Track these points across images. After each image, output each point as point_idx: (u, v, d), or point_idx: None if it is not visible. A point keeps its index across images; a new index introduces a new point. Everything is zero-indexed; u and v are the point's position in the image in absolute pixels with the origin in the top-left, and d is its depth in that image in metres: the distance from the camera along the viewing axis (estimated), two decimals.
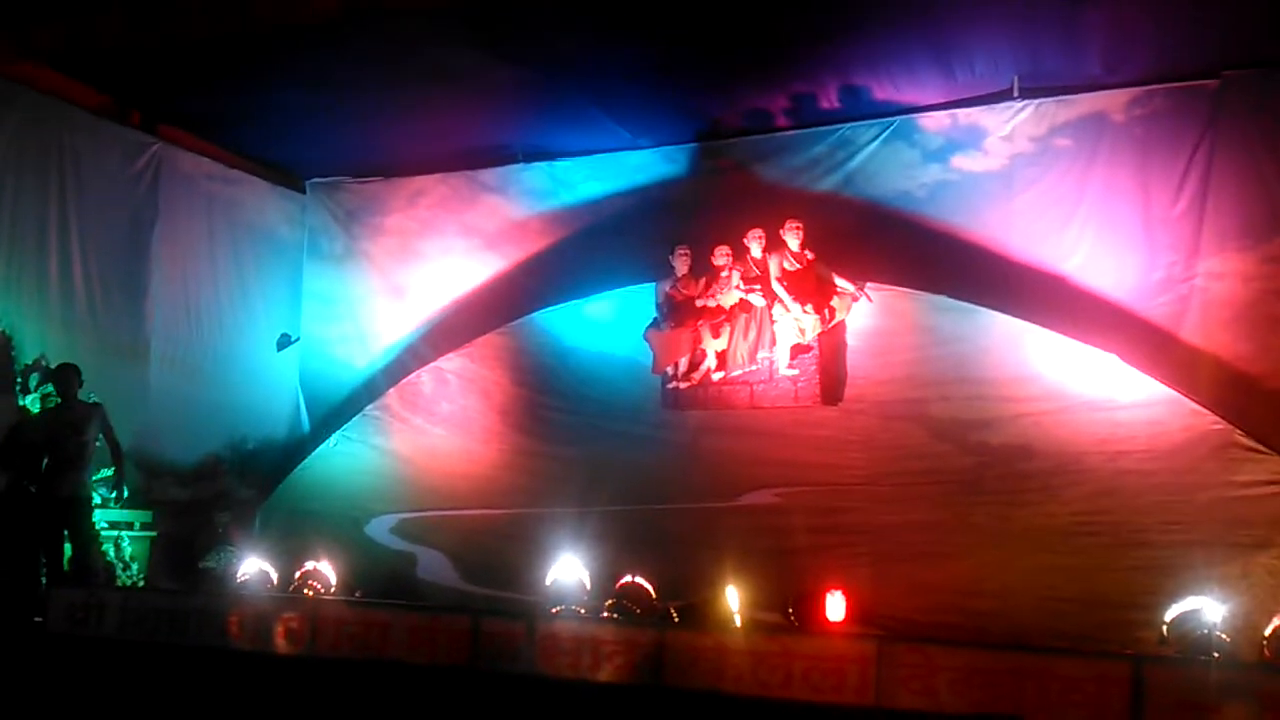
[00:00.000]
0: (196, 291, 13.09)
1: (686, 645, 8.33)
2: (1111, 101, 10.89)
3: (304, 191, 14.35)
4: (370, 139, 12.92)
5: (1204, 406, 9.58)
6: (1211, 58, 10.39)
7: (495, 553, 11.29)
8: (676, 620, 9.34)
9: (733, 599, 9.52)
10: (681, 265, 11.54)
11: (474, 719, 8.81)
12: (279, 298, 14.08)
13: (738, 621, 9.36)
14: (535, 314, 12.36)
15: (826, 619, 9.43)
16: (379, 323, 13.73)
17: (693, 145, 12.62)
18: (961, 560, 9.93)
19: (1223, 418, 9.48)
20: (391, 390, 12.71)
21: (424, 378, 12.60)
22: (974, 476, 10.18)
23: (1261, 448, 9.25)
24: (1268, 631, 7.61)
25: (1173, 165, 10.55)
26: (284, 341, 14.05)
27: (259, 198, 13.96)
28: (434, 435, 12.39)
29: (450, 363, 12.53)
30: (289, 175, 14.25)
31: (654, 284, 11.73)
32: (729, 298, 11.29)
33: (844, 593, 9.51)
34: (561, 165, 13.10)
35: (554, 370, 12.12)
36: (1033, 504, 9.89)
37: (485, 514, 11.75)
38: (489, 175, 13.38)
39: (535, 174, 13.21)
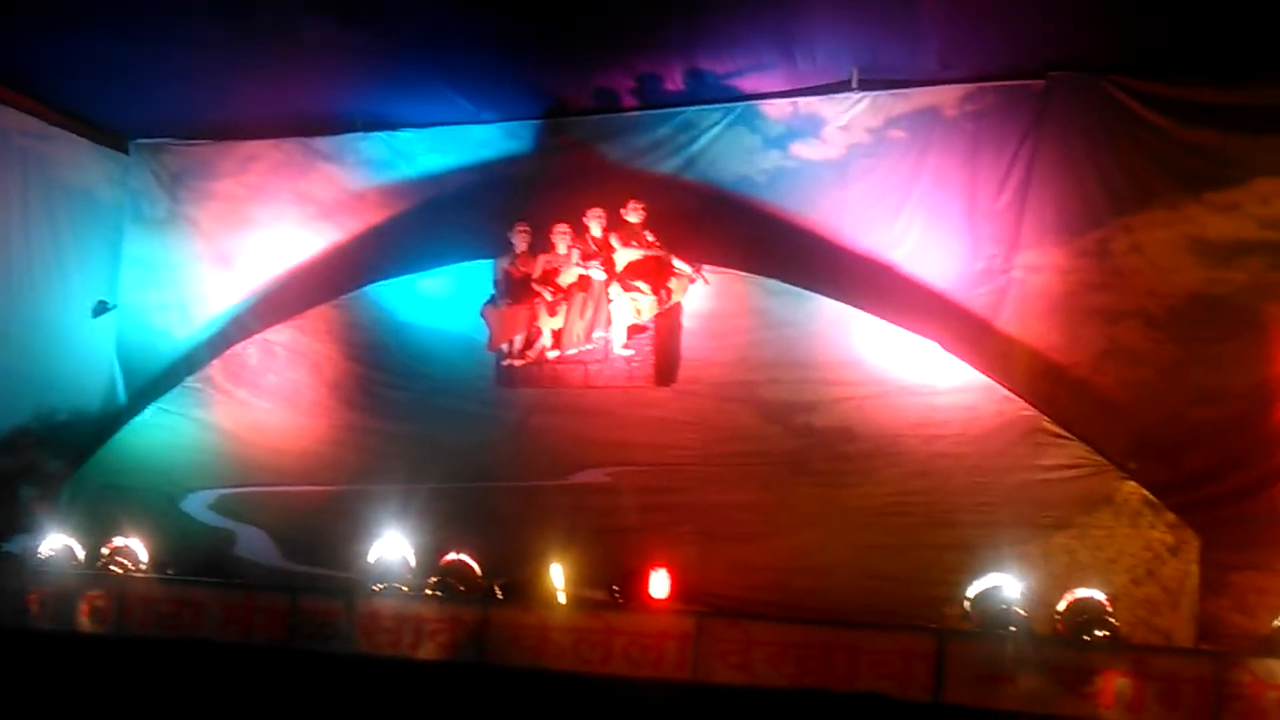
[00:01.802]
0: (5, 253, 12.44)
1: (509, 622, 8.35)
2: (944, 96, 11.20)
3: (127, 152, 13.75)
4: (199, 99, 12.44)
5: (1015, 394, 9.96)
6: (1039, 58, 10.77)
7: (318, 530, 11.07)
8: (501, 598, 9.30)
9: (558, 577, 9.53)
10: (521, 242, 11.45)
11: (290, 698, 8.63)
12: (96, 262, 13.47)
13: (562, 599, 9.38)
14: (369, 287, 12.09)
15: (651, 596, 9.52)
16: (203, 291, 13.26)
17: (537, 122, 12.51)
18: (784, 539, 10.14)
19: (1032, 404, 9.87)
20: (215, 361, 12.28)
21: (250, 349, 12.21)
22: (799, 458, 10.38)
23: (1066, 434, 9.67)
24: (1061, 607, 7.97)
25: (998, 161, 10.91)
26: (100, 308, 13.45)
27: (77, 156, 13.32)
28: (259, 409, 12.03)
29: (278, 335, 12.17)
30: (111, 134, 13.61)
31: (492, 260, 11.61)
32: (567, 276, 11.26)
33: (669, 571, 9.63)
34: (402, 136, 12.85)
35: (386, 345, 11.89)
36: (853, 485, 10.15)
37: (310, 490, 11.49)
38: (325, 143, 13.04)
39: (374, 144, 12.93)
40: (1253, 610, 9.24)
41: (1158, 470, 9.76)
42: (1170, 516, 9.35)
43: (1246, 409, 9.87)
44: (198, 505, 11.66)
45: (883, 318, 10.48)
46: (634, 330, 10.94)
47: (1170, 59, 10.30)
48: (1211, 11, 9.62)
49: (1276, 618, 8.28)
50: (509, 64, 11.53)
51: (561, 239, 11.25)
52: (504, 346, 11.31)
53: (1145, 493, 9.43)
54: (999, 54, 10.74)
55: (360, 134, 12.92)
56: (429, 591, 9.22)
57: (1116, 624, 8.11)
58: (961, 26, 10.35)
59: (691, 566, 9.88)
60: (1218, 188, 10.12)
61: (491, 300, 11.39)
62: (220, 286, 13.20)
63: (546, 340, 11.20)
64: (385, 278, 12.07)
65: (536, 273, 11.32)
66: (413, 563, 9.63)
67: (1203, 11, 9.65)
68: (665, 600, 9.51)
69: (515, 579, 9.66)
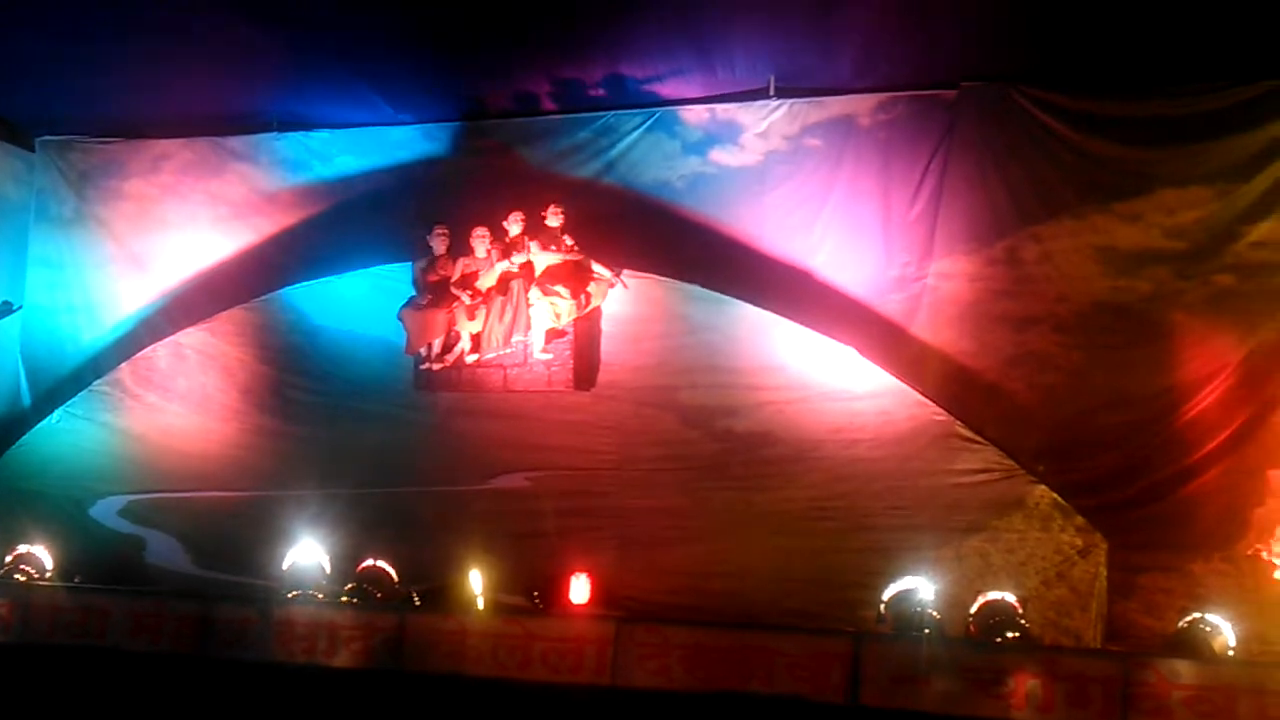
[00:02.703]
0: None
1: (427, 629, 8.29)
2: (859, 105, 11.33)
3: (33, 149, 13.36)
4: (108, 96, 12.16)
5: (929, 399, 10.14)
6: (951, 69, 10.94)
7: (231, 536, 10.91)
8: (418, 604, 9.23)
9: (477, 582, 9.48)
10: (439, 245, 11.35)
11: (202, 708, 8.46)
12: (0, 263, 13.05)
13: (481, 605, 9.33)
14: (283, 290, 11.92)
15: (571, 602, 9.52)
16: (112, 293, 12.93)
17: (457, 124, 12.41)
18: (703, 543, 10.22)
19: (945, 409, 10.06)
20: (124, 365, 12.03)
21: (160, 352, 11.98)
22: (718, 462, 10.46)
23: (978, 438, 9.88)
24: (973, 609, 8.12)
25: (912, 170, 11.07)
26: (4, 310, 13.07)
27: None
28: (169, 413, 11.81)
29: (189, 338, 11.95)
30: (16, 131, 13.23)
31: (410, 263, 11.50)
32: (486, 280, 11.19)
33: (589, 576, 9.64)
34: (318, 136, 12.66)
35: (301, 348, 11.73)
36: (772, 489, 10.25)
37: (222, 496, 11.32)
38: (239, 142, 12.81)
39: (289, 144, 12.72)
40: (1159, 611, 9.51)
41: (1066, 474, 10.00)
42: (1079, 520, 9.59)
43: (1151, 414, 10.14)
44: (106, 511, 11.43)
45: (801, 323, 10.58)
46: (553, 334, 10.92)
47: (1078, 71, 10.54)
48: (1117, 26, 9.87)
49: (1181, 618, 8.52)
50: (427, 65, 11.44)
51: (480, 242, 11.18)
52: (422, 350, 11.20)
53: (1055, 496, 9.66)
54: (912, 64, 10.90)
55: (275, 134, 12.71)
56: (345, 598, 9.11)
57: (1027, 625, 8.29)
58: (875, 37, 10.50)
59: (611, 571, 9.92)
60: (1123, 198, 10.38)
61: (409, 303, 11.28)
62: (130, 288, 12.88)
63: (465, 344, 11.12)
64: (300, 280, 11.91)
65: (455, 276, 11.23)
66: (328, 569, 9.52)
67: (1109, 26, 9.89)
68: (585, 605, 9.52)
69: (433, 585, 9.61)
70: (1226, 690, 6.53)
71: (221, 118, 12.58)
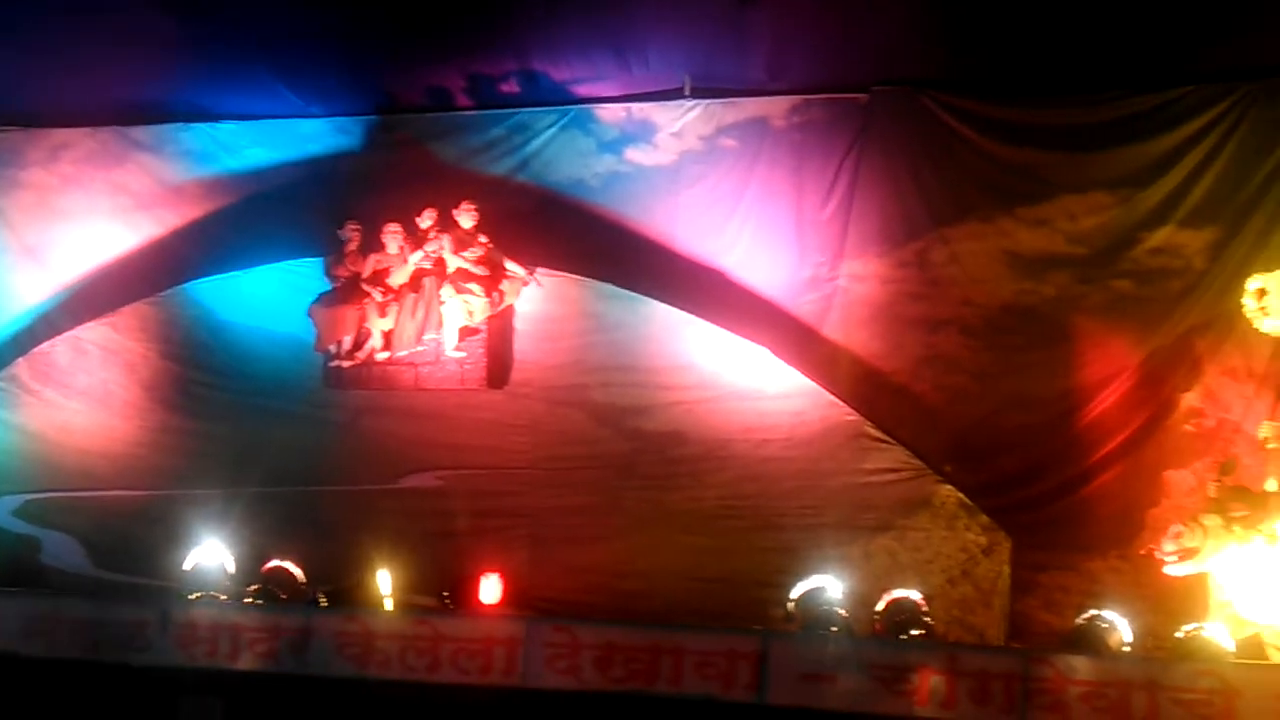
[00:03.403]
0: None
1: (333, 630, 8.16)
2: (773, 107, 11.41)
3: None
4: (4, 83, 11.76)
5: (840, 399, 10.26)
6: (863, 73, 11.08)
7: (132, 536, 10.71)
8: (325, 605, 9.10)
9: (385, 583, 9.39)
10: (351, 241, 11.23)
11: (97, 714, 8.24)
12: None
13: (389, 606, 9.24)
14: (188, 284, 11.70)
15: (481, 602, 9.47)
16: (9, 286, 12.47)
17: (369, 118, 12.24)
18: (614, 542, 10.24)
19: (856, 410, 10.19)
20: (20, 360, 11.71)
21: (59, 348, 11.68)
22: (629, 461, 10.50)
23: (887, 438, 10.03)
24: (880, 607, 8.22)
25: (824, 172, 11.16)
26: None
27: None
28: (68, 410, 11.52)
29: (91, 332, 11.66)
30: None
31: (320, 259, 11.34)
32: (398, 277, 11.10)
33: (500, 575, 9.60)
34: (225, 128, 12.38)
35: (207, 344, 11.53)
36: (683, 488, 10.31)
37: (123, 495, 11.09)
38: (143, 133, 12.47)
39: (195, 135, 12.42)
40: (1059, 608, 9.71)
41: (972, 474, 10.19)
42: (984, 519, 9.78)
43: (1054, 415, 10.35)
44: (1, 511, 11.09)
45: (714, 323, 10.64)
46: (466, 332, 10.86)
47: (987, 78, 10.74)
48: (1025, 33, 10.08)
49: (1079, 615, 8.71)
50: (338, 58, 11.30)
51: (393, 238, 11.09)
52: (332, 347, 11.08)
53: (961, 496, 9.84)
54: (825, 67, 11.01)
55: (181, 124, 12.40)
56: (249, 600, 8.95)
57: (932, 623, 8.42)
58: (789, 39, 10.59)
59: (522, 571, 9.90)
60: (1028, 203, 10.59)
61: (319, 299, 11.14)
62: (28, 281, 12.45)
63: (376, 341, 11.02)
64: (206, 275, 11.70)
65: (367, 272, 11.13)
66: (232, 570, 9.35)
67: (1017, 33, 10.10)
68: (496, 605, 9.48)
69: (340, 586, 9.49)
70: (1121, 685, 6.69)
71: (125, 107, 12.26)
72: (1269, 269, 9.31)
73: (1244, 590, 7.72)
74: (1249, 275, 9.45)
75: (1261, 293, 9.13)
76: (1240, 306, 9.33)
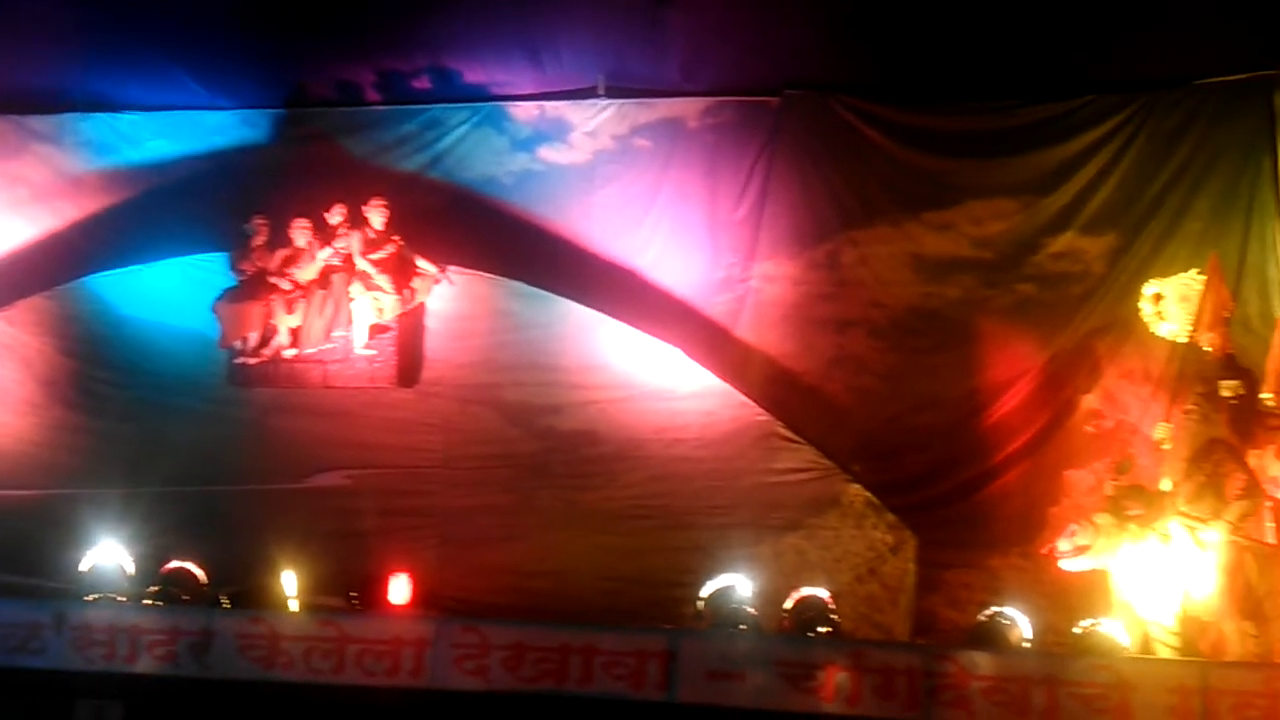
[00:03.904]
0: None
1: (235, 632, 7.99)
2: (687, 108, 11.46)
3: None
4: None
5: (751, 399, 10.35)
6: (776, 76, 11.18)
7: (26, 537, 10.36)
8: (227, 607, 8.92)
9: (290, 584, 9.24)
10: (258, 236, 11.05)
11: None
12: None
13: (294, 607, 9.09)
14: (88, 278, 11.38)
15: (390, 602, 9.36)
16: None
17: (277, 111, 12.00)
18: (525, 542, 10.22)
19: (766, 410, 10.29)
20: None
21: None
22: (541, 461, 10.48)
23: (797, 438, 10.15)
24: (788, 604, 8.30)
25: (737, 173, 11.25)
26: None
27: None
28: None
29: None
30: None
31: (226, 253, 11.13)
32: (306, 273, 10.94)
33: (410, 575, 9.50)
34: (127, 119, 12.07)
35: (107, 340, 11.24)
36: (595, 488, 10.32)
37: (16, 494, 10.73)
38: (41, 122, 12.09)
39: (96, 125, 12.08)
40: (963, 605, 9.88)
41: (880, 473, 10.35)
42: (891, 517, 9.94)
43: (959, 416, 10.56)
44: None
45: (627, 323, 10.66)
46: (376, 330, 10.74)
47: (895, 84, 10.92)
48: (930, 41, 10.26)
49: (982, 612, 8.88)
50: (245, 49, 11.07)
51: (301, 234, 10.93)
52: (237, 344, 10.88)
53: (869, 495, 10.00)
54: (738, 69, 11.09)
55: (81, 114, 12.05)
56: (148, 601, 8.74)
57: (839, 620, 8.52)
58: (702, 41, 10.66)
59: (432, 571, 9.83)
60: (934, 207, 10.80)
61: (224, 295, 10.94)
62: None
63: (284, 338, 10.85)
64: (106, 268, 11.40)
65: (274, 268, 10.94)
66: (131, 571, 9.13)
67: (923, 40, 10.28)
68: (405, 606, 9.38)
69: (245, 587, 9.30)
70: (1021, 680, 6.83)
71: (21, 94, 11.86)
72: (1165, 275, 9.61)
73: (1139, 587, 7.94)
74: (1146, 281, 9.73)
75: (1158, 298, 9.41)
76: (1138, 311, 9.60)
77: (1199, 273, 9.17)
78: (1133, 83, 10.62)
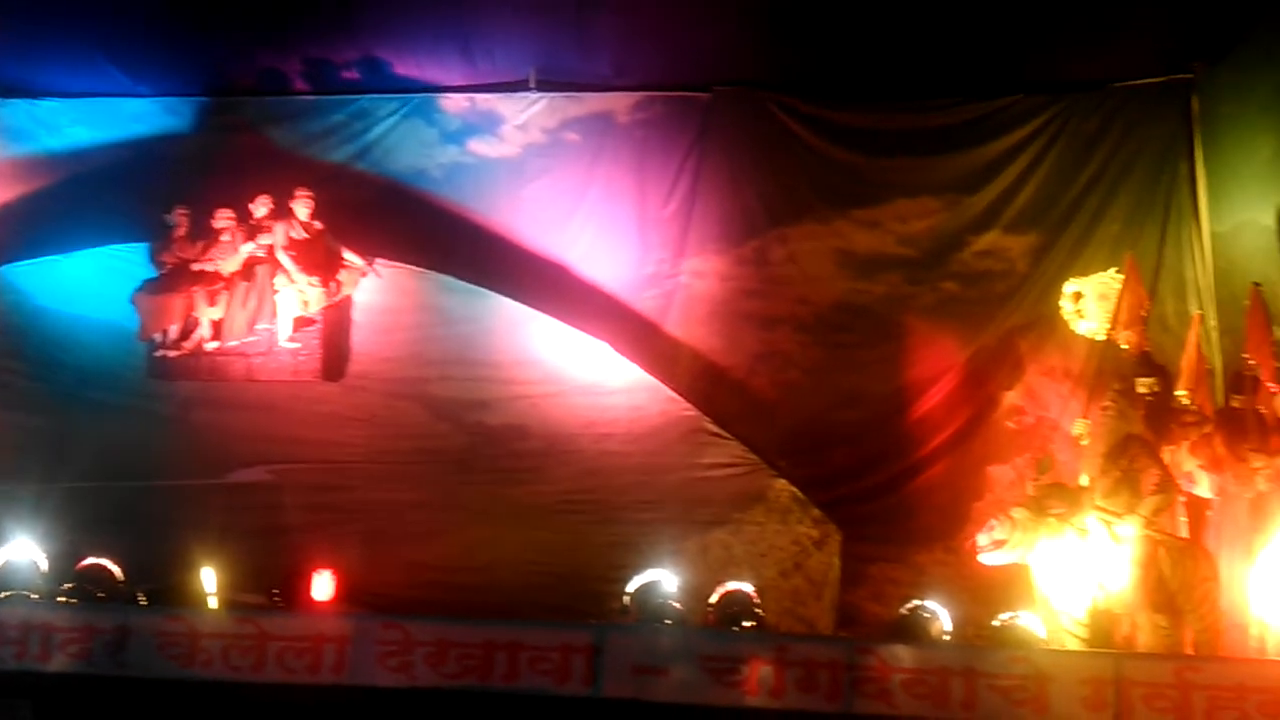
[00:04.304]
0: None
1: (152, 630, 7.83)
2: (617, 103, 11.47)
3: None
4: None
5: (679, 394, 10.37)
6: (706, 73, 11.25)
7: None
8: (145, 604, 8.75)
9: (210, 581, 9.10)
10: (179, 226, 10.86)
11: None
12: None
13: (214, 604, 8.95)
14: (3, 268, 11.13)
15: (314, 599, 9.25)
16: None
17: (200, 99, 11.85)
18: (452, 537, 10.16)
19: (694, 405, 10.33)
20: None
21: None
22: (469, 455, 10.42)
23: (724, 433, 10.20)
24: (713, 599, 8.34)
25: (666, 169, 11.29)
26: None
27: None
28: None
29: None
30: None
31: (146, 244, 10.93)
32: (229, 264, 10.77)
33: (334, 572, 9.40)
34: (45, 105, 11.84)
35: (22, 331, 10.99)
36: (525, 483, 10.29)
37: None
38: None
39: (12, 111, 11.83)
40: (887, 599, 9.99)
41: (805, 468, 10.44)
42: (816, 512, 10.02)
43: (883, 411, 10.69)
44: None
45: (557, 318, 10.63)
46: (301, 323, 10.60)
47: (824, 82, 11.03)
48: (859, 40, 10.37)
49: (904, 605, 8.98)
50: (169, 35, 10.93)
51: (224, 225, 10.74)
52: (157, 336, 10.68)
53: (794, 490, 10.06)
54: (669, 66, 11.13)
55: None
56: (62, 599, 8.55)
57: (764, 614, 8.56)
58: (633, 37, 10.69)
59: (356, 567, 9.73)
60: (862, 205, 10.93)
61: (144, 286, 10.73)
62: None
63: (205, 330, 10.68)
64: (21, 258, 11.15)
65: (196, 259, 10.75)
66: (45, 568, 8.92)
67: (851, 39, 10.38)
68: (329, 602, 9.27)
69: (163, 584, 9.14)
70: (941, 672, 6.90)
71: None
72: (1085, 274, 9.79)
73: (1056, 581, 8.07)
74: (1067, 279, 9.90)
75: (1078, 296, 9.58)
76: (1059, 309, 9.77)
77: (1117, 272, 9.35)
78: (1055, 84, 10.82)
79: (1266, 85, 9.32)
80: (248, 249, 10.69)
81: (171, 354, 10.63)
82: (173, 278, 10.71)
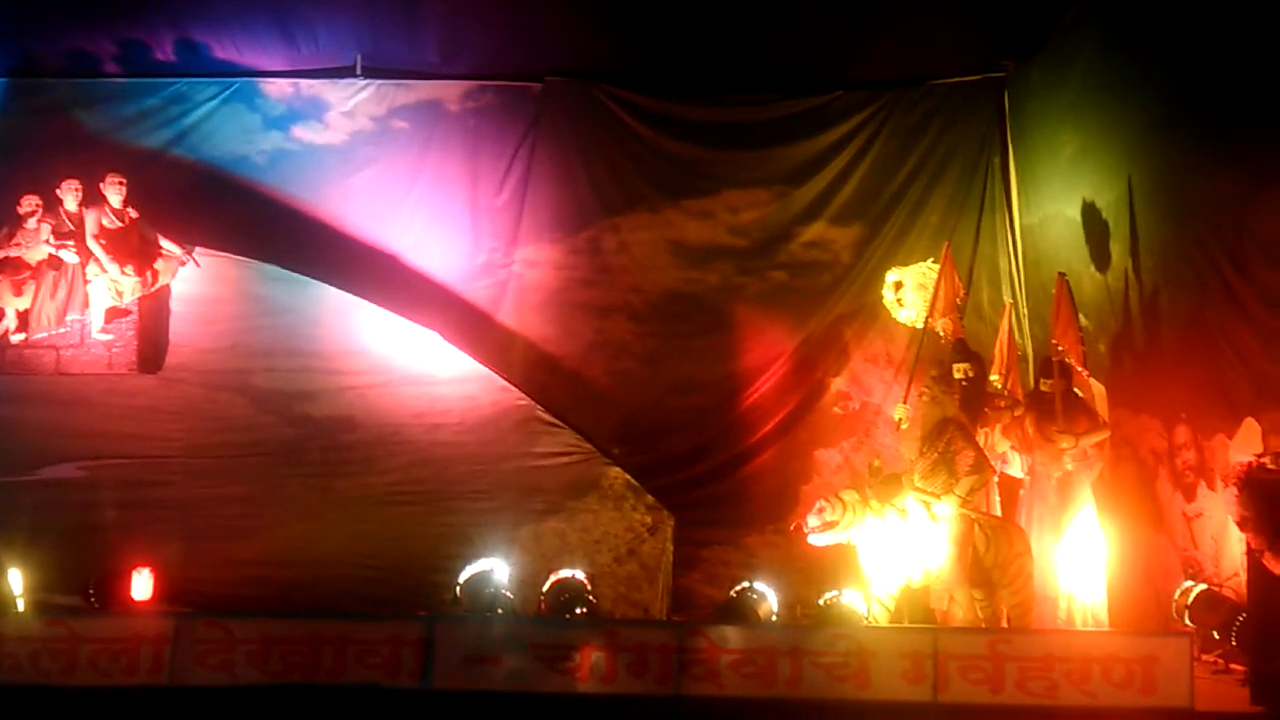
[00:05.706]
0: None
1: None
2: (448, 91, 11.37)
3: None
4: None
5: (512, 384, 10.33)
6: (538, 62, 11.24)
7: None
8: None
9: (16, 583, 8.64)
10: None
11: None
12: None
13: (22, 607, 8.51)
14: None
15: (132, 599, 8.89)
16: None
17: (3, 81, 11.29)
18: (278, 532, 9.91)
19: (527, 394, 10.29)
20: None
21: None
22: (295, 448, 10.17)
23: (558, 422, 10.18)
24: (545, 587, 8.32)
25: (499, 158, 11.26)
26: None
27: None
28: None
29: None
30: None
31: None
32: (36, 253, 10.25)
33: (152, 570, 9.06)
34: None
35: None
36: (353, 475, 10.08)
37: None
38: None
39: None
40: (719, 581, 10.20)
41: (640, 455, 10.57)
42: (650, 499, 10.10)
43: (716, 399, 10.91)
44: None
45: (386, 308, 10.45)
46: (114, 314, 10.17)
47: (655, 73, 11.15)
48: (690, 33, 10.49)
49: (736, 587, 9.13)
50: None
51: (30, 211, 10.19)
52: None
53: (628, 477, 10.13)
54: (500, 54, 11.08)
55: None
56: None
57: (596, 601, 8.57)
58: (460, 24, 10.59)
59: (177, 564, 9.38)
60: (693, 196, 11.11)
61: None
62: None
63: (11, 322, 10.15)
64: None
65: (0, 248, 10.17)
66: None
67: (682, 32, 10.50)
68: (148, 602, 8.92)
69: None
70: (768, 652, 7.00)
71: None
72: (905, 264, 10.11)
73: (879, 560, 8.31)
74: (888, 269, 10.22)
75: (898, 285, 9.88)
76: (881, 298, 10.07)
77: (934, 262, 9.70)
78: (878, 81, 11.16)
79: (1071, 84, 9.77)
80: (55, 237, 10.18)
81: None
82: None
